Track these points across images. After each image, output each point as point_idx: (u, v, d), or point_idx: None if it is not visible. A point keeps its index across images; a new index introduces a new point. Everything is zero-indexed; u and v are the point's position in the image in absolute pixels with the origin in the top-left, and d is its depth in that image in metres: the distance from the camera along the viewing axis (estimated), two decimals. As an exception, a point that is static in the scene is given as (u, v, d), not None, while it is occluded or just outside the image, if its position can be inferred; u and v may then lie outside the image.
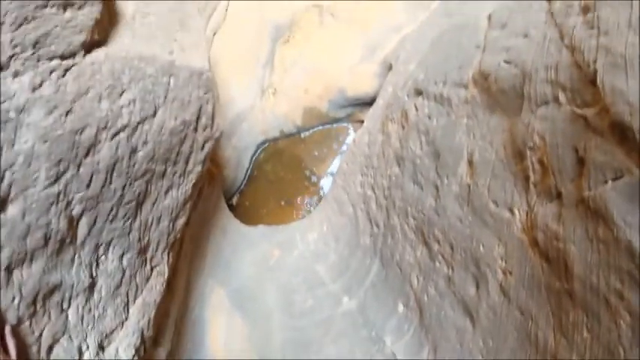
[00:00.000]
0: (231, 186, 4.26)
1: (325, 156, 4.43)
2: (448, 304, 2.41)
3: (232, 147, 4.22)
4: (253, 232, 3.87)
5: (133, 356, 2.23)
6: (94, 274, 2.01)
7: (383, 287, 3.01)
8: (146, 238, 2.37)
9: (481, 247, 2.17)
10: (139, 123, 2.16)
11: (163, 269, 2.50)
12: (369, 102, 4.26)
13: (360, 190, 3.52)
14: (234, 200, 4.32)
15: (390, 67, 3.90)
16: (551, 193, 1.80)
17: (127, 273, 2.23)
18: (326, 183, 4.32)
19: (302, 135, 4.54)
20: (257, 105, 4.35)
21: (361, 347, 2.99)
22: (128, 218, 2.16)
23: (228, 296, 3.48)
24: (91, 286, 1.99)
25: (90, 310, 2.01)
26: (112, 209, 2.04)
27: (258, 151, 4.47)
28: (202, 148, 2.79)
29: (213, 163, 3.77)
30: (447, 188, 2.46)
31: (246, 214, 4.21)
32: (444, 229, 2.46)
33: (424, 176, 2.68)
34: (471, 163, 2.32)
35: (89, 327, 2.00)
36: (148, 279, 2.41)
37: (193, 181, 2.76)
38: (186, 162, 2.66)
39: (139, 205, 2.25)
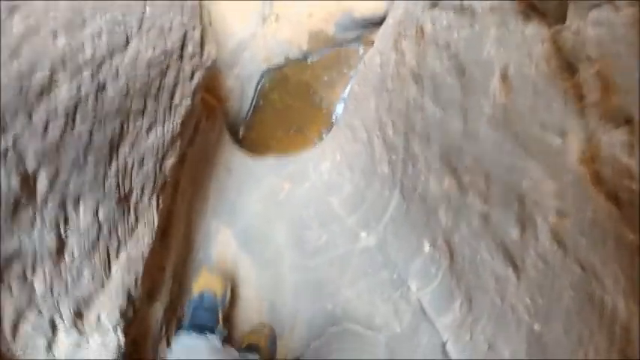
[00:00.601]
0: (235, 118, 3.86)
1: (335, 81, 3.97)
2: (484, 246, 1.99)
3: (235, 77, 3.79)
4: (261, 164, 3.46)
5: (118, 321, 1.87)
6: (63, 234, 1.63)
7: (404, 222, 2.62)
8: (127, 184, 1.99)
9: (526, 182, 1.72)
10: (106, 57, 1.72)
11: (151, 217, 2.12)
12: (378, 22, 3.69)
13: (375, 114, 3.08)
14: (240, 133, 3.89)
15: None
16: (616, 116, 1.35)
17: (105, 227, 1.85)
18: (337, 109, 3.87)
19: (309, 60, 4.04)
20: (259, 33, 3.90)
21: (382, 291, 2.54)
22: (101, 165, 1.77)
23: (235, 237, 3.01)
24: (60, 248, 1.62)
25: (61, 275, 1.63)
26: (78, 157, 1.64)
27: (263, 80, 3.96)
28: (191, 78, 2.40)
29: (213, 95, 3.41)
30: (476, 109, 2.01)
31: (254, 146, 3.79)
32: (476, 157, 2.03)
33: (447, 96, 2.24)
34: (504, 79, 1.85)
35: (61, 295, 1.63)
36: (132, 230, 2.05)
37: (182, 116, 2.37)
38: (172, 95, 2.26)
39: (114, 148, 1.85)
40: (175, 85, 2.22)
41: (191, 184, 2.84)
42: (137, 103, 1.92)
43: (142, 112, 1.99)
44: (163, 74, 2.09)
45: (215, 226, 3.09)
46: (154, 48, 2.00)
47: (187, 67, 2.34)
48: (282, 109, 3.96)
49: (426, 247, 2.40)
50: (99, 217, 1.79)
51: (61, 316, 1.62)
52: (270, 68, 4.05)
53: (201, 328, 2.19)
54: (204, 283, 2.59)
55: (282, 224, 3.14)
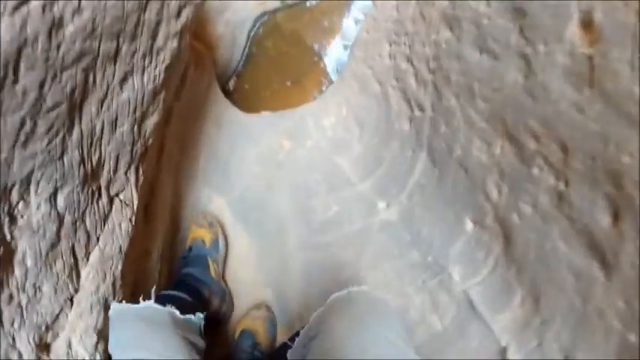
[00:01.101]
0: (226, 68, 3.33)
1: (338, 26, 3.40)
2: (558, 233, 1.51)
3: (225, 22, 3.27)
4: (255, 120, 2.91)
5: (96, 344, 1.39)
6: (8, 237, 1.12)
7: (436, 192, 2.14)
8: (95, 156, 1.44)
9: (624, 156, 1.26)
10: None
11: (129, 195, 1.65)
12: None
13: (390, 62, 2.57)
14: (231, 84, 3.38)
15: None
16: None
17: (68, 219, 1.32)
18: (341, 57, 3.30)
19: (308, 3, 3.44)
20: None
21: (414, 276, 1.97)
22: (57, 133, 1.24)
23: (229, 206, 2.43)
24: (7, 257, 1.11)
25: (11, 298, 1.13)
26: (23, 123, 1.10)
27: (257, 26, 3.35)
28: (178, 15, 1.78)
29: (202, 42, 2.92)
30: (544, 58, 1.53)
31: (246, 100, 3.28)
32: (545, 118, 1.54)
33: (499, 42, 1.74)
34: (588, 25, 1.38)
35: (16, 324, 1.14)
36: (105, 218, 1.51)
37: (166, 61, 1.78)
38: (154, 36, 1.68)
39: (75, 107, 1.31)
40: (158, 23, 1.67)
41: (178, 146, 2.23)
42: (107, 44, 1.38)
43: (114, 57, 1.44)
44: (142, 7, 1.53)
45: (207, 194, 2.52)
46: None
47: (173, 2, 1.74)
48: (278, 58, 3.41)
49: (469, 226, 1.92)
50: (57, 206, 1.28)
51: (19, 353, 1.14)
52: (265, 13, 3.48)
53: (186, 286, 1.98)
54: (192, 236, 2.33)
55: (284, 190, 2.67)
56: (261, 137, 2.85)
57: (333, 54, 3.38)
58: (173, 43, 1.81)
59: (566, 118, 1.44)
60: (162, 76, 1.77)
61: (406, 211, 2.19)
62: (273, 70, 3.35)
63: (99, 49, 1.35)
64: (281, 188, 2.65)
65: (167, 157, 2.15)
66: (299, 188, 2.63)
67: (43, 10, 1.07)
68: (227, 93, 3.23)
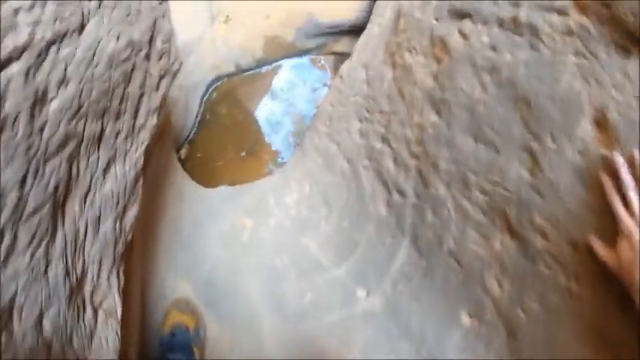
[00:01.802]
0: (178, 135, 3.16)
1: (296, 95, 3.24)
2: (570, 329, 1.43)
3: (179, 86, 3.10)
4: (214, 195, 2.81)
5: None
6: None
7: (425, 283, 2.02)
8: (79, 265, 1.26)
9: None
10: (51, 43, 1.04)
11: (113, 303, 1.47)
12: (346, 30, 2.98)
13: (361, 140, 2.46)
14: (183, 152, 3.22)
15: None
16: None
17: (56, 345, 1.10)
18: (299, 128, 3.21)
19: (263, 70, 3.21)
20: (206, 35, 3.20)
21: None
22: (40, 243, 1.05)
23: (196, 294, 2.21)
24: None
25: None
26: (2, 236, 0.91)
27: (210, 91, 3.14)
28: (157, 87, 1.72)
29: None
30: (554, 155, 1.46)
31: (199, 169, 3.05)
32: (554, 216, 1.46)
33: (498, 132, 1.67)
34: (601, 124, 1.34)
35: None
36: (92, 335, 1.30)
37: (146, 142, 1.66)
38: (135, 112, 1.55)
39: (59, 207, 1.14)
40: (141, 97, 1.57)
41: (142, 225, 2.03)
42: (92, 125, 1.26)
43: (99, 140, 1.31)
44: (127, 79, 1.44)
45: (173, 277, 2.32)
46: (118, 37, 1.35)
47: (155, 71, 1.68)
48: (232, 126, 3.28)
49: (465, 319, 1.83)
50: (44, 332, 1.06)
51: None
52: (219, 77, 3.38)
53: None
54: (174, 320, 2.23)
55: (252, 274, 2.50)
56: (221, 214, 2.67)
57: (262, 113, 3.26)
58: (153, 120, 1.66)
59: (577, 217, 1.37)
60: (141, 160, 1.61)
61: (391, 301, 2.06)
62: (226, 138, 3.20)
63: (84, 132, 1.21)
64: (248, 271, 2.47)
65: (135, 239, 1.96)
66: (268, 272, 2.45)
67: (26, 77, 0.91)
68: (180, 161, 3.05)
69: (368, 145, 2.38)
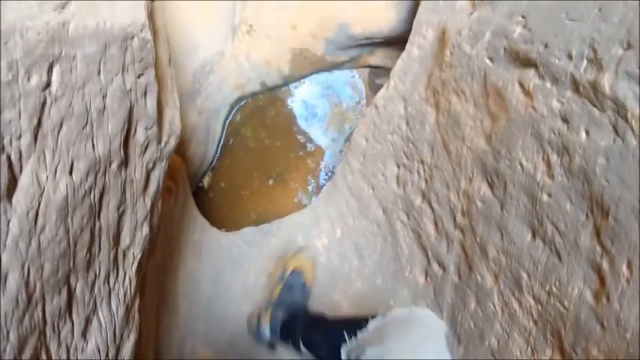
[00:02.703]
0: (200, 164, 2.86)
1: (328, 116, 2.99)
2: None
3: (197, 111, 2.80)
4: (237, 241, 2.52)
5: None
6: None
7: None
8: None
9: None
10: None
11: None
12: (382, 41, 2.60)
13: (398, 189, 2.15)
14: (206, 181, 2.95)
15: None
16: None
17: None
18: (331, 153, 2.89)
19: (291, 87, 2.96)
20: (227, 50, 2.89)
21: None
22: None
23: (217, 356, 1.96)
24: None
25: None
26: None
27: (233, 112, 2.78)
28: (145, 187, 1.42)
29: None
30: (626, 285, 1.12)
31: (223, 200, 2.78)
32: (614, 353, 1.14)
33: (563, 234, 1.32)
34: None
35: None
36: None
37: (137, 257, 1.37)
38: (116, 239, 1.27)
39: None
40: (121, 217, 1.29)
41: (155, 289, 1.76)
42: (55, 300, 1.00)
43: (67, 309, 1.05)
44: (96, 212, 1.16)
45: (191, 345, 2.04)
46: (70, 168, 1.09)
47: (138, 173, 1.38)
48: (258, 150, 2.97)
49: None
50: None
51: None
52: (243, 97, 3.04)
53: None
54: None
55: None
56: (246, 263, 2.40)
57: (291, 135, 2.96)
58: (143, 230, 1.36)
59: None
60: (134, 282, 1.31)
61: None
62: (252, 165, 2.89)
63: (44, 318, 0.95)
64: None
65: (146, 305, 1.68)
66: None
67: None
68: (201, 191, 2.75)
69: (406, 197, 2.04)
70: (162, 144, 1.50)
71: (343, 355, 1.44)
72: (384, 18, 2.70)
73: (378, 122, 2.28)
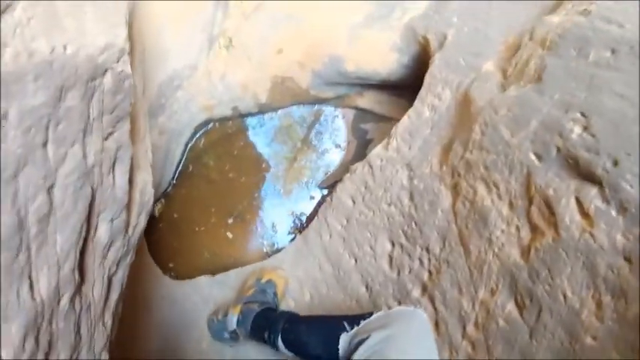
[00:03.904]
0: (154, 190, 2.15)
1: (302, 155, 2.62)
2: None
3: (158, 130, 2.42)
4: (191, 295, 2.19)
5: None
6: None
7: None
8: None
9: None
10: None
11: None
12: (375, 84, 2.50)
13: (390, 271, 1.84)
14: (157, 209, 2.53)
15: (439, 44, 2.16)
16: None
17: None
18: (300, 198, 2.52)
19: (265, 117, 2.70)
20: (201, 65, 2.53)
21: None
22: None
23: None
24: None
25: None
26: None
27: (197, 136, 2.37)
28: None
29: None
30: None
31: (174, 233, 2.47)
32: None
33: None
34: None
35: None
36: None
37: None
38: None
39: None
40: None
41: None
42: None
43: None
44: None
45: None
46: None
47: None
48: (220, 184, 2.58)
49: None
50: None
51: None
52: (210, 120, 2.67)
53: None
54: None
55: None
56: (200, 321, 2.04)
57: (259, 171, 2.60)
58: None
59: None
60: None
61: None
62: (212, 198, 2.54)
63: None
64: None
65: None
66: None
67: None
68: (152, 219, 2.34)
69: (400, 283, 1.77)
70: (131, 230, 1.12)
71: (342, 343, 1.39)
72: (383, 59, 2.41)
73: (371, 185, 1.97)
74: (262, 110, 2.63)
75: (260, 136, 2.62)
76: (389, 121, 2.56)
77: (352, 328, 1.39)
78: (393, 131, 2.01)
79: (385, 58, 2.40)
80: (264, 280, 2.09)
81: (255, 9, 2.56)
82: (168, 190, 2.50)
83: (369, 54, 2.41)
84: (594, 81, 1.49)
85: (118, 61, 0.99)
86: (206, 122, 2.59)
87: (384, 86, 2.52)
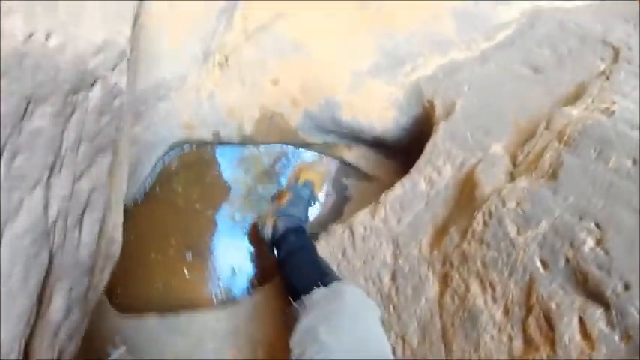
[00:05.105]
0: None
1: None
2: None
3: (133, 138, 2.16)
4: (135, 336, 1.88)
5: None
6: None
7: None
8: None
9: None
10: None
11: None
12: (369, 140, 2.38)
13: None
14: None
15: (445, 112, 2.04)
16: None
17: None
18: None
19: (246, 151, 2.51)
20: (191, 77, 2.32)
21: None
22: None
23: None
24: None
25: None
26: None
27: (171, 155, 2.43)
28: None
29: None
30: None
31: (128, 255, 2.11)
32: None
33: None
34: None
35: None
36: None
37: None
38: None
39: None
40: None
41: None
42: None
43: None
44: None
45: None
46: None
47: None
48: (184, 213, 2.35)
49: None
50: None
51: None
52: (187, 141, 2.44)
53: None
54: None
55: None
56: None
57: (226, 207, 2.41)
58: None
59: None
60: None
61: None
62: (173, 227, 2.32)
63: None
64: None
65: None
66: None
67: None
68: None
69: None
70: (91, 294, 0.90)
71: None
72: (381, 115, 2.28)
73: (350, 253, 1.80)
74: (243, 142, 2.44)
75: (237, 170, 2.42)
76: (372, 181, 2.41)
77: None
78: (382, 198, 1.84)
79: (384, 114, 2.25)
80: (301, 182, 2.21)
81: (260, 28, 2.42)
82: (129, 207, 2.26)
83: (368, 106, 2.28)
84: (613, 190, 1.40)
85: (114, 69, 0.78)
86: (182, 142, 2.38)
87: (374, 143, 2.35)
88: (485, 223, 1.48)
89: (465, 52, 2.28)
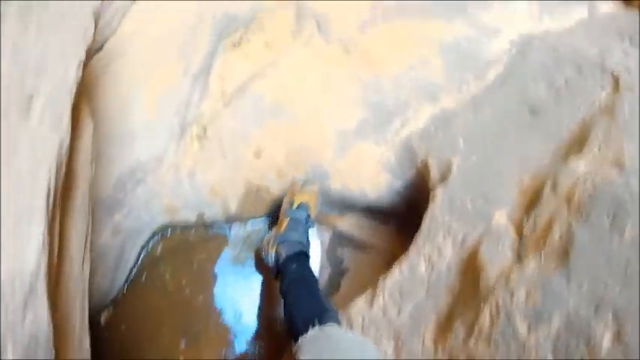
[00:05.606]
0: (102, 298, 2.12)
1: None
2: None
3: (113, 229, 2.09)
4: None
5: None
6: None
7: None
8: None
9: None
10: None
11: None
12: (361, 207, 2.24)
13: None
14: (104, 317, 2.14)
15: (441, 175, 1.90)
16: None
17: None
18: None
19: (232, 230, 2.35)
20: (169, 155, 2.20)
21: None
22: None
23: None
24: None
25: None
26: None
27: (155, 240, 2.29)
28: None
29: None
30: None
31: (120, 346, 2.08)
32: None
33: None
34: None
35: None
36: None
37: None
38: None
39: None
40: None
41: None
42: None
43: None
44: None
45: None
46: None
47: None
48: (175, 299, 2.21)
49: None
50: None
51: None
52: (171, 224, 2.30)
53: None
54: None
55: None
56: None
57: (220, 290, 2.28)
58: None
59: None
60: None
61: None
62: (165, 315, 2.18)
63: None
64: None
65: None
66: None
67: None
68: (97, 327, 2.08)
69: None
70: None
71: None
72: (373, 180, 2.14)
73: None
74: (229, 221, 2.31)
75: (225, 251, 2.29)
76: (369, 249, 2.26)
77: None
78: (380, 284, 1.70)
79: (376, 180, 2.12)
80: (295, 206, 2.12)
81: (237, 90, 2.30)
82: (117, 296, 2.15)
83: (358, 172, 2.15)
84: (630, 270, 1.24)
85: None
86: (166, 226, 2.26)
87: (368, 210, 2.21)
88: (492, 321, 1.33)
89: (456, 96, 2.11)
